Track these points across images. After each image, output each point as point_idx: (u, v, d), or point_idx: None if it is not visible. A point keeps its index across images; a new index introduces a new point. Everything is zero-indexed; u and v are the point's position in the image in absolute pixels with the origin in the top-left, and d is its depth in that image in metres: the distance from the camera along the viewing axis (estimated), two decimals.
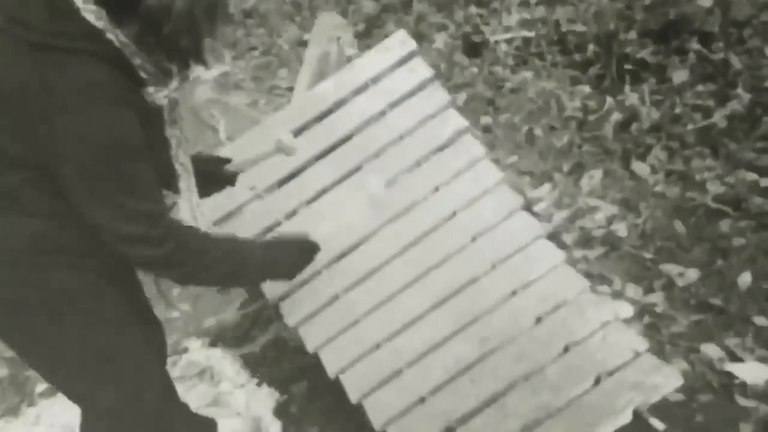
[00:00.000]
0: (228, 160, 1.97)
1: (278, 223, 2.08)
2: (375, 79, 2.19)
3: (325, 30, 2.56)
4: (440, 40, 3.85)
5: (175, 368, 2.47)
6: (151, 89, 1.47)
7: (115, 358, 1.59)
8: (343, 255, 1.97)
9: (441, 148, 2.06)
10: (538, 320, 1.76)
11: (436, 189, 1.99)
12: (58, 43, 1.33)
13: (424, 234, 1.93)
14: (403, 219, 1.97)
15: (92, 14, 1.36)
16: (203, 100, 2.57)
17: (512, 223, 1.90)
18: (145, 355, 1.67)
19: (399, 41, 2.23)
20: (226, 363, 2.47)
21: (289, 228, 2.06)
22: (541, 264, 1.83)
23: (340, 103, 2.19)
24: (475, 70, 3.63)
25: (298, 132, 2.15)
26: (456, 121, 2.08)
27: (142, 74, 1.44)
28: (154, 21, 1.36)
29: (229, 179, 1.96)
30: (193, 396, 2.34)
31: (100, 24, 1.37)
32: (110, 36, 1.38)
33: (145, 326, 1.77)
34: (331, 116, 2.17)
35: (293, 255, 1.82)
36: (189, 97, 2.64)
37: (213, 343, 2.56)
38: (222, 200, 2.08)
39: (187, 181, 1.70)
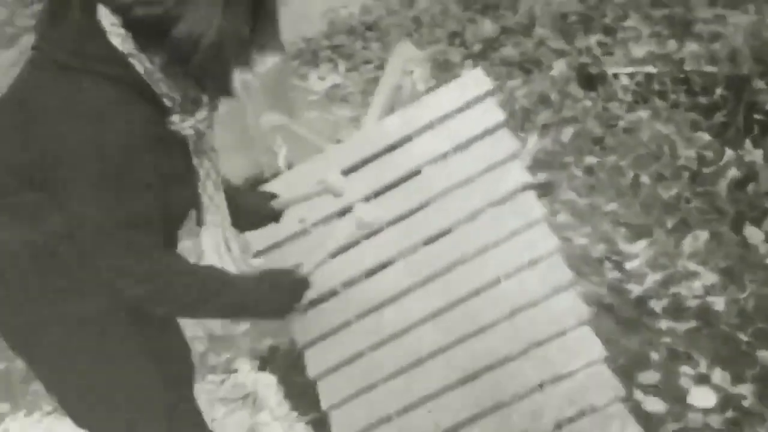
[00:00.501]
0: (274, 196, 1.89)
1: (323, 260, 1.99)
2: (443, 118, 2.05)
3: (401, 61, 2.45)
4: (558, 67, 3.63)
5: (221, 388, 2.45)
6: (175, 118, 1.42)
7: (113, 394, 1.56)
8: (376, 308, 1.85)
9: (499, 203, 1.89)
10: (558, 427, 1.56)
11: (485, 249, 1.82)
12: (78, 64, 1.33)
13: (462, 299, 1.77)
14: (444, 277, 1.82)
15: (119, 38, 1.33)
16: (269, 126, 2.54)
17: (557, 302, 1.71)
18: (149, 394, 1.62)
19: (474, 79, 2.08)
20: (270, 391, 2.42)
21: (333, 267, 1.96)
22: (577, 357, 1.63)
23: (403, 140, 2.07)
24: (588, 103, 3.38)
25: (355, 167, 2.05)
26: (520, 175, 1.90)
27: (167, 102, 1.40)
28: (182, 51, 1.31)
29: (274, 215, 1.89)
30: (231, 422, 2.31)
31: (125, 48, 1.33)
32: (134, 62, 1.34)
33: (162, 363, 1.70)
34: (392, 153, 2.05)
35: (280, 293, 1.68)
36: (253, 121, 2.62)
37: (262, 367, 2.52)
38: (267, 230, 2.02)
39: (214, 215, 1.64)
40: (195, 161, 1.53)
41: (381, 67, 4.23)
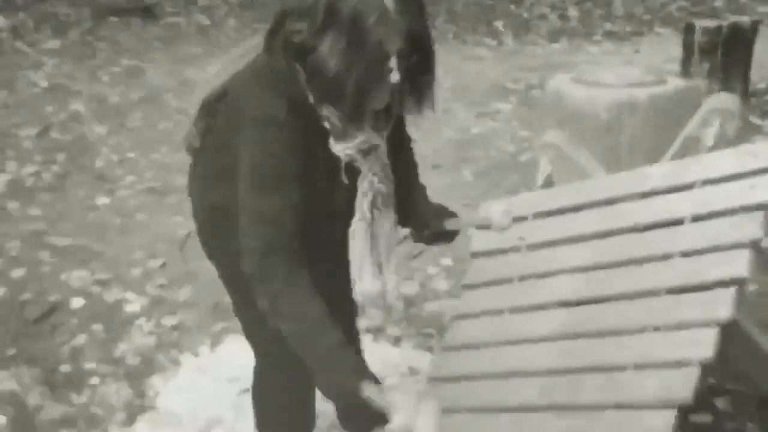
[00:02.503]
0: (454, 215, 1.85)
1: (511, 280, 1.91)
2: (709, 182, 1.78)
3: (706, 111, 2.15)
4: None
5: None
6: (332, 140, 1.53)
7: None
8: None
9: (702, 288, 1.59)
10: None
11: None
12: (264, 74, 1.54)
13: None
14: None
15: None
16: (544, 142, 2.42)
17: None
18: None
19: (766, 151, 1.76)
20: None
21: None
22: None
23: (653, 192, 1.85)
24: None
25: (587, 206, 1.90)
26: (739, 269, 1.57)
27: (326, 125, 1.51)
28: (317, 75, 1.46)
29: (447, 236, 1.85)
30: None
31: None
32: (301, 81, 1.51)
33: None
34: (631, 203, 1.85)
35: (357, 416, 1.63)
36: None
37: None
38: (488, 236, 1.99)
39: (361, 233, 1.69)
40: (347, 179, 1.62)
41: None
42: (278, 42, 1.54)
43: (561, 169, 2.17)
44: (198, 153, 1.75)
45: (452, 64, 6.10)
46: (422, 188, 1.87)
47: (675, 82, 3.45)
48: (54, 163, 4.23)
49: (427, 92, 1.58)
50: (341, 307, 1.76)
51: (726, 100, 2.32)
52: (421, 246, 2.03)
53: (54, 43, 6.60)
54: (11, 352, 2.65)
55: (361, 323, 2.77)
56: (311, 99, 1.53)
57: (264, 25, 1.63)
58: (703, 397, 2.30)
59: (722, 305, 1.48)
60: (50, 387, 2.48)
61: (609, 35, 6.91)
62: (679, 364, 1.43)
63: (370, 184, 1.65)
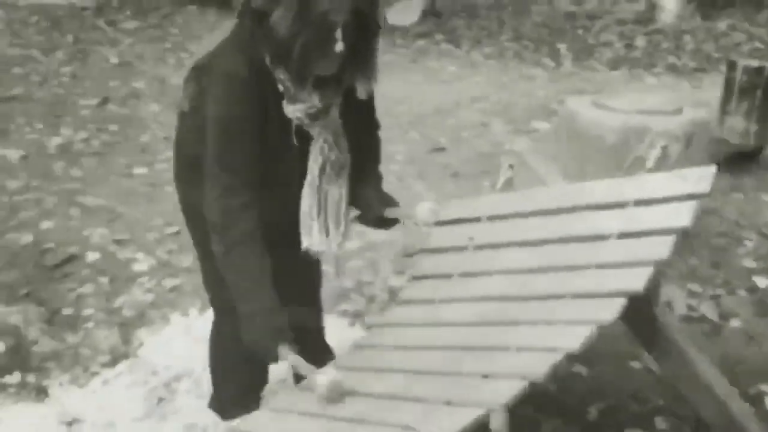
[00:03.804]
0: (396, 205, 2.00)
1: (451, 276, 2.04)
2: (638, 203, 1.88)
3: (660, 131, 2.22)
4: None
5: None
6: (284, 102, 1.71)
7: None
8: None
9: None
10: None
11: None
12: (233, 38, 1.74)
13: None
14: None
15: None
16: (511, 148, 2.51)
17: None
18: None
19: (698, 177, 1.84)
20: None
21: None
22: None
23: (586, 207, 1.95)
24: None
25: (527, 214, 2.02)
26: (635, 284, 1.67)
27: (280, 87, 1.68)
28: (269, 39, 1.65)
29: (386, 222, 2.01)
30: None
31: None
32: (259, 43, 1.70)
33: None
34: (566, 215, 1.96)
35: (261, 325, 1.72)
36: None
37: None
38: (439, 233, 2.13)
39: (310, 197, 1.87)
40: (299, 142, 1.80)
41: None
42: (244, 7, 1.74)
43: (522, 175, 2.29)
44: (184, 115, 1.94)
45: (501, 81, 6.21)
46: (376, 175, 2.02)
47: (692, 114, 3.49)
48: (105, 132, 4.56)
49: (368, 63, 1.74)
50: (294, 265, 1.93)
51: (672, 125, 2.39)
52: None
53: (132, 24, 7.03)
54: (24, 291, 2.93)
55: (342, 307, 2.97)
56: (267, 61, 1.72)
57: None
58: (644, 416, 2.38)
59: (608, 312, 1.59)
60: (49, 325, 2.75)
61: (671, 68, 6.87)
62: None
63: (321, 150, 1.83)
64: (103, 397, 2.41)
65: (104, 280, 3.04)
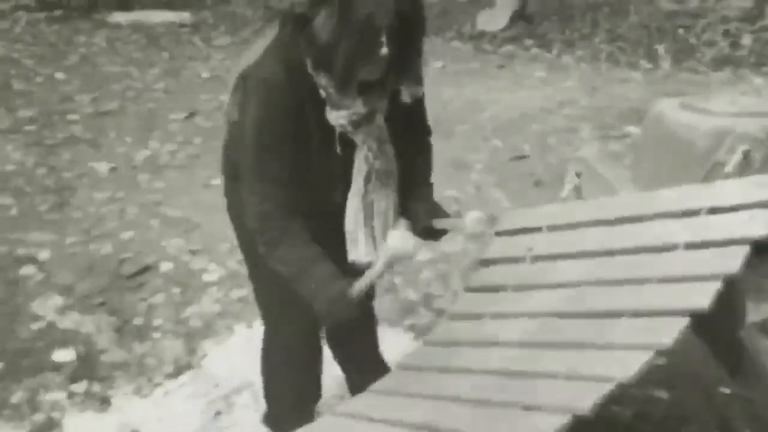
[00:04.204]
0: (446, 215, 1.89)
1: (506, 288, 1.92)
2: (711, 211, 1.70)
3: (740, 135, 1.99)
4: None
5: None
6: (327, 109, 1.64)
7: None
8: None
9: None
10: None
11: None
12: (274, 45, 1.70)
13: None
14: None
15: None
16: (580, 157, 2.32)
17: None
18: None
19: None
20: None
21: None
22: None
23: (655, 216, 1.79)
24: None
25: (601, 222, 1.87)
26: (701, 302, 1.49)
27: (322, 93, 1.63)
28: (312, 45, 1.60)
29: (434, 234, 1.89)
30: None
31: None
32: (301, 50, 1.65)
33: None
34: (636, 224, 1.80)
35: (331, 301, 1.68)
36: None
37: None
38: (499, 243, 2.02)
39: (355, 203, 1.79)
40: (343, 150, 1.72)
41: None
42: (287, 14, 1.69)
43: (590, 183, 2.13)
44: (231, 125, 1.91)
45: (593, 84, 5.97)
46: (425, 183, 1.92)
47: None
48: (190, 145, 4.67)
49: (413, 67, 1.65)
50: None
51: (755, 127, 2.15)
52: None
53: (225, 40, 7.21)
54: (99, 300, 3.00)
55: (408, 321, 2.88)
56: (309, 67, 1.66)
57: None
58: None
59: (667, 334, 1.43)
60: (120, 334, 2.79)
61: None
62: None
63: (366, 159, 1.75)
64: (163, 408, 2.42)
65: (176, 290, 3.08)
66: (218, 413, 2.39)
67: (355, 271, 1.74)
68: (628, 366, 1.37)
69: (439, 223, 1.84)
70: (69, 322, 2.85)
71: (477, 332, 1.82)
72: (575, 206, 2.04)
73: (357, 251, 1.80)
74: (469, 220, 1.77)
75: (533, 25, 7.55)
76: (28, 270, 3.19)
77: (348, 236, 1.80)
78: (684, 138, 3.16)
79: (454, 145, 4.56)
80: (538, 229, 2.01)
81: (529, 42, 7.17)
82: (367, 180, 1.76)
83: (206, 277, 3.16)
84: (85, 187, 4.04)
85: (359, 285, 1.66)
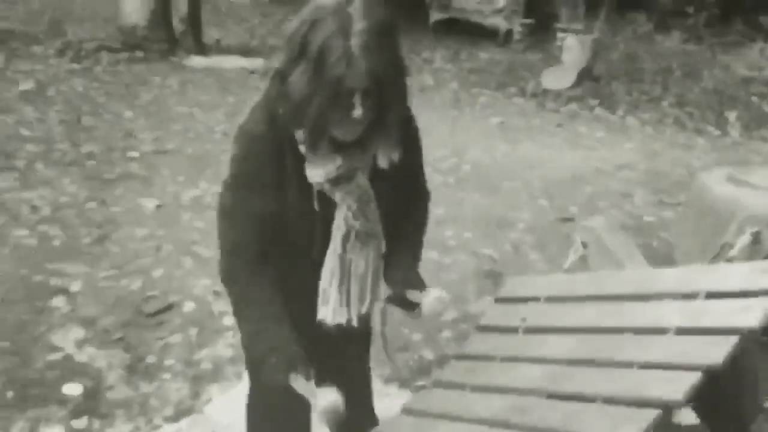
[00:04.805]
0: (422, 287, 1.79)
1: (493, 358, 1.84)
2: (709, 295, 1.59)
3: (750, 216, 1.85)
4: None
5: None
6: (306, 165, 1.62)
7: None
8: None
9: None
10: None
11: None
12: (263, 96, 1.69)
13: None
14: None
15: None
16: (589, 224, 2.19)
17: None
18: None
19: None
20: None
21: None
22: None
23: (660, 296, 1.69)
24: None
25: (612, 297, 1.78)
26: (676, 394, 1.37)
27: (301, 148, 1.60)
28: (287, 100, 1.57)
29: (408, 305, 1.79)
30: None
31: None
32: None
33: None
34: (639, 303, 1.70)
35: (273, 364, 1.62)
36: None
37: None
38: (497, 309, 1.95)
39: (332, 263, 1.75)
40: (322, 207, 1.69)
41: None
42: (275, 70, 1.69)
43: (596, 254, 2.02)
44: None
45: (653, 148, 5.80)
46: (406, 250, 1.85)
47: None
48: None
49: (389, 131, 1.63)
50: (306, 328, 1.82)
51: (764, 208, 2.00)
52: None
53: None
54: (118, 335, 3.04)
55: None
56: (287, 122, 1.65)
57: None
58: None
59: (636, 426, 1.32)
60: (130, 373, 2.81)
61: None
62: None
63: (345, 218, 1.72)
64: None
65: (193, 331, 3.09)
66: None
67: (324, 328, 1.70)
68: None
69: (411, 295, 1.77)
70: (84, 355, 2.89)
71: (454, 404, 1.74)
72: (577, 278, 1.95)
73: (326, 310, 1.76)
74: (427, 299, 1.70)
75: (600, 85, 7.44)
76: (57, 301, 3.27)
77: (321, 294, 1.76)
78: (725, 211, 3.02)
79: (498, 202, 4.48)
80: (537, 299, 1.93)
81: (593, 102, 7.06)
82: (346, 239, 1.72)
83: (226, 321, 3.17)
84: (128, 223, 4.14)
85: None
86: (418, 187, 1.88)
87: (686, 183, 5.00)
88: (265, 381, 1.66)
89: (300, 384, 1.60)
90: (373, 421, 2.16)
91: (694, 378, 1.37)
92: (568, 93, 7.19)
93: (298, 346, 1.65)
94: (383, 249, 1.83)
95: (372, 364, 2.23)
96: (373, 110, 1.57)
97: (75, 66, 7.37)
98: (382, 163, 1.69)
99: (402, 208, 1.85)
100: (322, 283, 1.76)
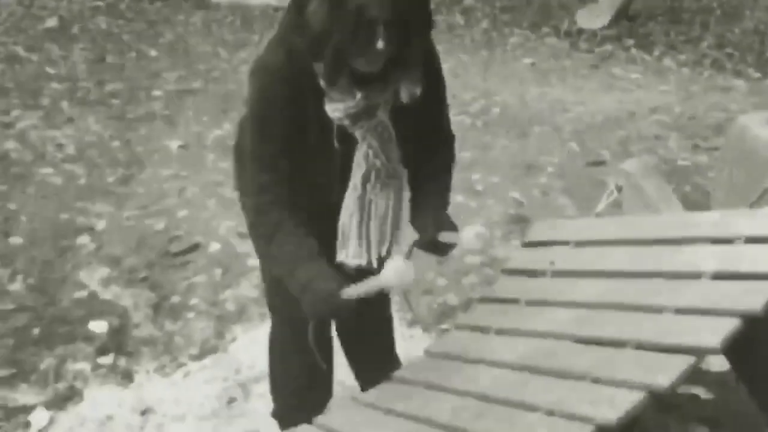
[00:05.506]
0: (452, 228, 1.73)
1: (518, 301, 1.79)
2: (748, 240, 1.52)
3: None
4: None
5: None
6: (326, 100, 1.56)
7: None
8: None
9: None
10: None
11: None
12: (279, 29, 1.64)
13: None
14: None
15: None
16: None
17: None
18: None
19: None
20: None
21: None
22: None
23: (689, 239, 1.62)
24: None
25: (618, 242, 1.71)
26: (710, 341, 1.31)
27: (320, 82, 1.54)
28: (305, 31, 1.51)
29: (440, 248, 1.73)
30: None
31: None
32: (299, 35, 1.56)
33: None
34: (670, 246, 1.64)
35: (313, 298, 1.59)
36: None
37: None
38: (528, 256, 1.89)
39: (351, 201, 1.70)
40: (339, 147, 1.64)
41: None
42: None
43: (631, 198, 1.95)
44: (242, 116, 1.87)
45: (690, 90, 5.61)
46: (436, 193, 1.79)
47: None
48: None
49: (411, 66, 1.55)
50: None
51: None
52: None
53: None
54: (143, 274, 3.04)
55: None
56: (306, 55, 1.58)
57: None
58: None
59: (666, 375, 1.27)
60: (155, 311, 2.82)
61: None
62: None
63: (365, 156, 1.66)
64: (181, 389, 2.43)
65: (218, 271, 3.09)
66: (232, 400, 2.37)
67: (345, 271, 1.66)
68: (615, 406, 1.23)
69: (445, 237, 1.71)
70: (110, 294, 2.90)
71: (477, 348, 1.70)
72: (608, 222, 1.88)
73: (345, 252, 1.72)
74: (466, 236, 1.64)
75: (636, 25, 7.19)
76: (83, 239, 3.28)
77: (340, 236, 1.72)
78: (763, 154, 2.90)
79: (527, 146, 4.37)
80: (566, 243, 1.87)
81: (629, 42, 6.82)
82: (366, 179, 1.67)
83: (250, 262, 3.15)
84: (153, 163, 4.12)
85: (349, 291, 1.58)
86: (441, 129, 1.81)
87: (723, 127, 4.84)
88: (307, 309, 1.61)
89: (361, 286, 1.58)
90: (396, 363, 2.14)
91: (731, 324, 1.31)
92: (603, 33, 6.95)
93: (338, 276, 1.62)
94: (405, 191, 1.78)
95: (395, 307, 2.20)
96: (396, 43, 1.50)
97: (99, 3, 7.28)
98: (404, 97, 1.62)
99: (426, 151, 1.78)
100: (341, 224, 1.72)
